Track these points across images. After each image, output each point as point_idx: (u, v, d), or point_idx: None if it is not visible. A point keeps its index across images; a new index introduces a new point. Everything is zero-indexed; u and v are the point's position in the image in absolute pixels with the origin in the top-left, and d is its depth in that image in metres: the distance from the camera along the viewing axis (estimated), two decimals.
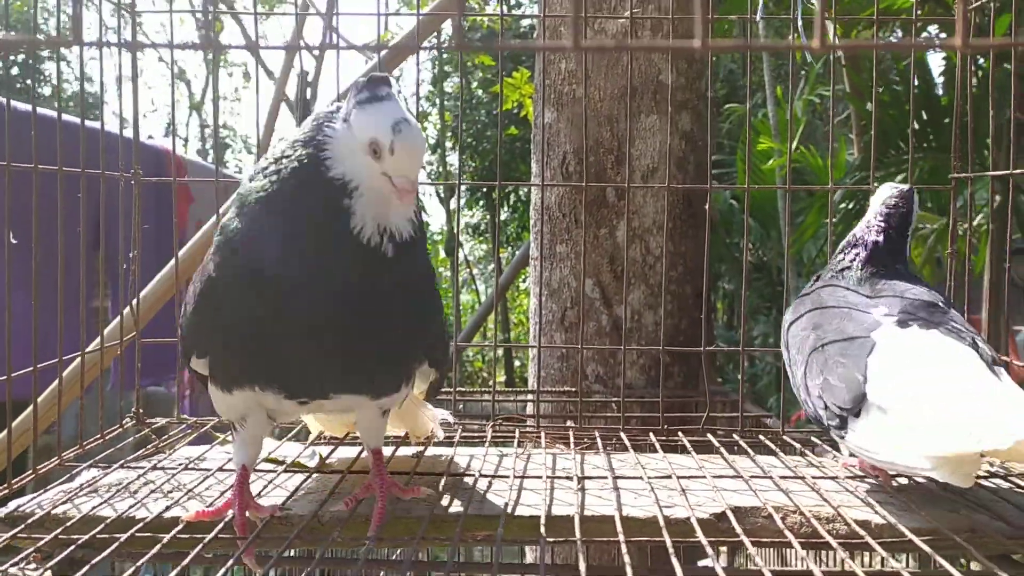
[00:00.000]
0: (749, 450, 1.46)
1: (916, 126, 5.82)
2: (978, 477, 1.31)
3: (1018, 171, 1.40)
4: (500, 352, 9.99)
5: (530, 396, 2.30)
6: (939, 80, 6.10)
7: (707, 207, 1.74)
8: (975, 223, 4.67)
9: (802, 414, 1.55)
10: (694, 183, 2.45)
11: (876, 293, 1.30)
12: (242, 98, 17.21)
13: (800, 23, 1.61)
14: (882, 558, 1.00)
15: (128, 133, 1.61)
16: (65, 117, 1.45)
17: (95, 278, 1.55)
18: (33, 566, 1.03)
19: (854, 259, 1.38)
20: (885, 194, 1.42)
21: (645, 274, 2.48)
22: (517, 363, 10.37)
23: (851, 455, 1.36)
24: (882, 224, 1.38)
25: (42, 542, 1.05)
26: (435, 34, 2.67)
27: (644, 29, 2.46)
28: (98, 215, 1.54)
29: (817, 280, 1.42)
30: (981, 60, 4.31)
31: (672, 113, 2.53)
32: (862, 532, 1.06)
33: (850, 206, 6.04)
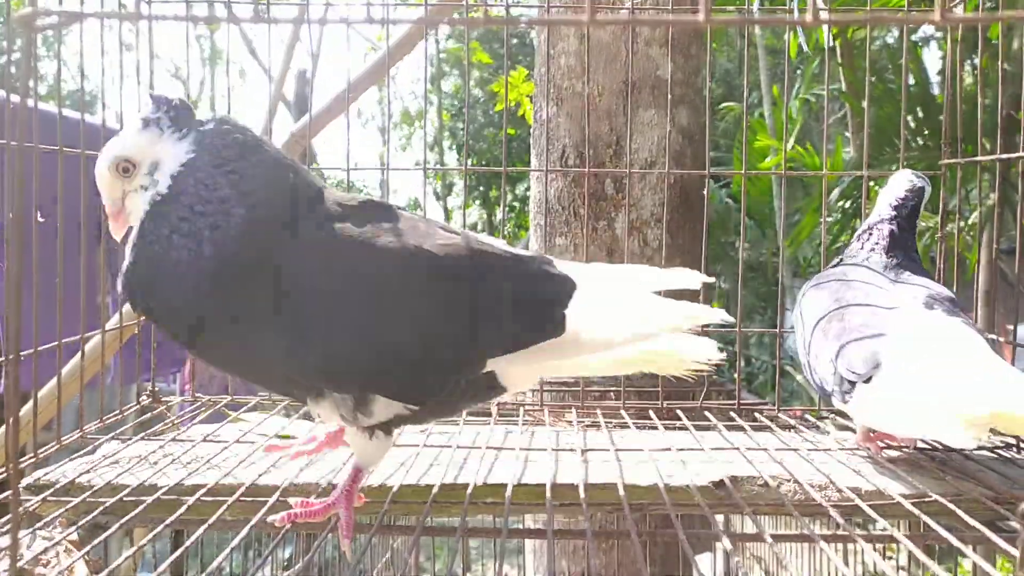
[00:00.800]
0: (746, 426, 1.51)
1: (911, 123, 5.88)
2: (963, 451, 1.37)
3: (1006, 156, 1.44)
4: None
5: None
6: (935, 79, 6.16)
7: (704, 192, 1.78)
8: (970, 221, 4.72)
9: (797, 412, 1.59)
10: (692, 176, 2.49)
11: (900, 279, 1.36)
12: (238, 96, 17.23)
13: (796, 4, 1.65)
14: (873, 523, 1.04)
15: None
16: (65, 112, 1.48)
17: (97, 272, 1.57)
18: (60, 531, 1.07)
19: (875, 246, 1.43)
20: (902, 182, 1.47)
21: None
22: None
23: (841, 429, 1.41)
24: (894, 214, 1.43)
25: (67, 507, 1.10)
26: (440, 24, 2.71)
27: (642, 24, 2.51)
28: (99, 207, 1.57)
29: (840, 263, 1.47)
30: (976, 59, 4.36)
31: (670, 108, 2.57)
32: (853, 497, 1.11)
33: (846, 204, 6.09)
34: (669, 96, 2.22)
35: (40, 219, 1.31)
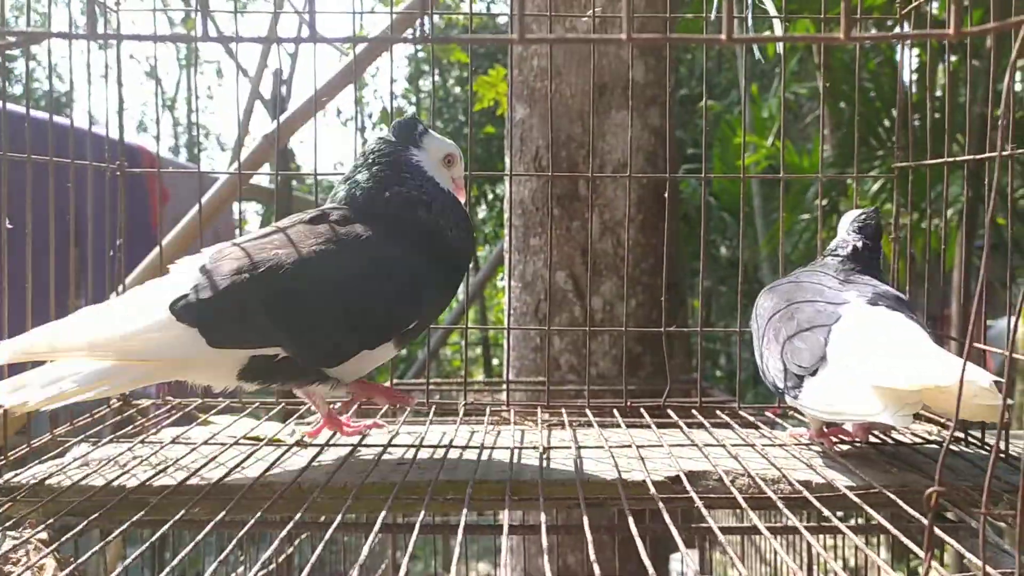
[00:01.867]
0: (706, 423, 1.54)
1: (887, 124, 5.95)
2: (913, 445, 1.41)
3: (952, 159, 1.48)
4: (478, 349, 10.06)
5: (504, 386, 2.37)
6: (913, 78, 6.23)
7: (666, 195, 1.82)
8: (947, 219, 4.79)
9: (776, 410, 1.63)
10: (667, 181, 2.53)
11: (850, 280, 1.40)
12: (215, 96, 17.16)
13: (751, 21, 1.69)
14: (823, 514, 1.08)
15: (97, 130, 1.66)
16: (36, 113, 1.49)
17: (69, 276, 1.59)
18: (28, 532, 1.09)
19: (834, 257, 1.49)
20: (853, 215, 1.54)
21: (617, 266, 2.55)
22: (496, 361, 10.43)
23: (796, 427, 1.45)
24: (858, 234, 1.48)
25: (35, 507, 1.12)
26: (410, 30, 2.74)
27: (613, 27, 2.54)
28: (72, 212, 1.58)
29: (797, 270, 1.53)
30: (954, 57, 4.43)
31: (642, 109, 2.61)
32: (803, 490, 1.15)
33: (824, 203, 6.16)
34: (640, 101, 2.25)
35: (8, 226, 1.33)
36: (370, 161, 1.37)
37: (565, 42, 1.97)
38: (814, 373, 1.21)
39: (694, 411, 1.64)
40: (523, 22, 2.25)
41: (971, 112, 3.65)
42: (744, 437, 1.47)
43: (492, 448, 1.41)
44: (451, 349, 9.44)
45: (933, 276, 1.64)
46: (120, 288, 1.69)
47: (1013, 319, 1.26)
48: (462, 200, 1.43)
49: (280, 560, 2.25)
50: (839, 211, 6.25)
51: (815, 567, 2.09)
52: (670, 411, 1.63)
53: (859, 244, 1.48)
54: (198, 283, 1.20)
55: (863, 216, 1.51)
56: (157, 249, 2.39)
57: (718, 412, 1.58)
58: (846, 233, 1.51)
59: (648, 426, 1.55)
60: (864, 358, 1.17)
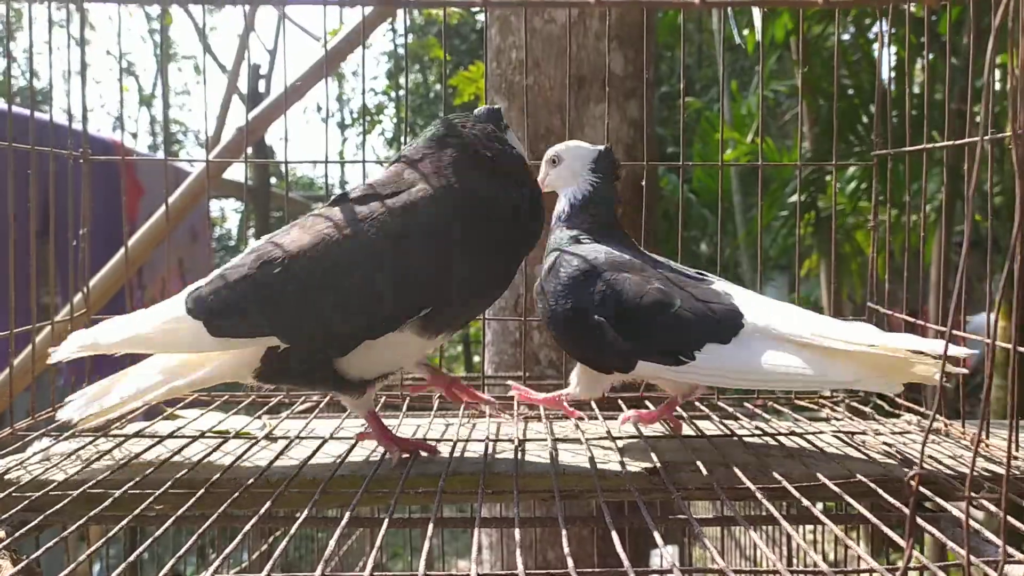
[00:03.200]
0: (684, 415, 1.52)
1: (865, 120, 5.96)
2: (892, 435, 1.39)
3: (931, 145, 1.46)
4: (459, 347, 10.02)
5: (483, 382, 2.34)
6: (892, 75, 6.25)
7: (643, 183, 1.80)
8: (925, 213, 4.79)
9: (758, 402, 1.61)
10: (644, 169, 2.50)
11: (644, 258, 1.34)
12: (192, 92, 17.00)
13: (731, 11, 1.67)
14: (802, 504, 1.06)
15: (74, 124, 1.62)
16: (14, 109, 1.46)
17: (44, 269, 1.55)
18: None
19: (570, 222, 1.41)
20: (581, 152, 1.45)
21: None
22: (477, 358, 10.41)
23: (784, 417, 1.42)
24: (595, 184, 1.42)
25: None
26: (389, 22, 2.70)
27: (592, 18, 2.52)
28: (46, 204, 1.54)
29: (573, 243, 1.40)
30: (932, 55, 4.43)
31: (620, 101, 2.59)
32: (783, 480, 1.12)
33: (803, 198, 6.17)
34: (610, 91, 2.23)
35: None
36: (439, 131, 1.27)
37: (531, 5, 1.93)
38: (727, 340, 1.19)
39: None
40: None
41: (948, 108, 3.65)
42: (723, 428, 1.45)
43: (467, 441, 1.38)
44: None
45: (912, 272, 1.63)
46: (85, 287, 1.65)
47: (992, 314, 1.25)
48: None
49: (253, 557, 2.21)
50: (818, 207, 6.26)
51: (795, 559, 2.08)
52: (648, 403, 1.60)
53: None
54: (211, 278, 1.22)
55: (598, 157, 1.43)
56: (129, 241, 2.35)
57: (697, 404, 1.55)
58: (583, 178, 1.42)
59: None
60: (806, 324, 1.17)
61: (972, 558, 0.79)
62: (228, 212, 11.86)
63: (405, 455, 1.25)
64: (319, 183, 12.64)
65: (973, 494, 1.05)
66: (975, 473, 1.15)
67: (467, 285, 1.21)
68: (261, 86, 7.01)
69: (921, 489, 1.09)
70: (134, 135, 14.41)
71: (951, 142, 1.36)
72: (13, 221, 1.42)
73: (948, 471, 1.16)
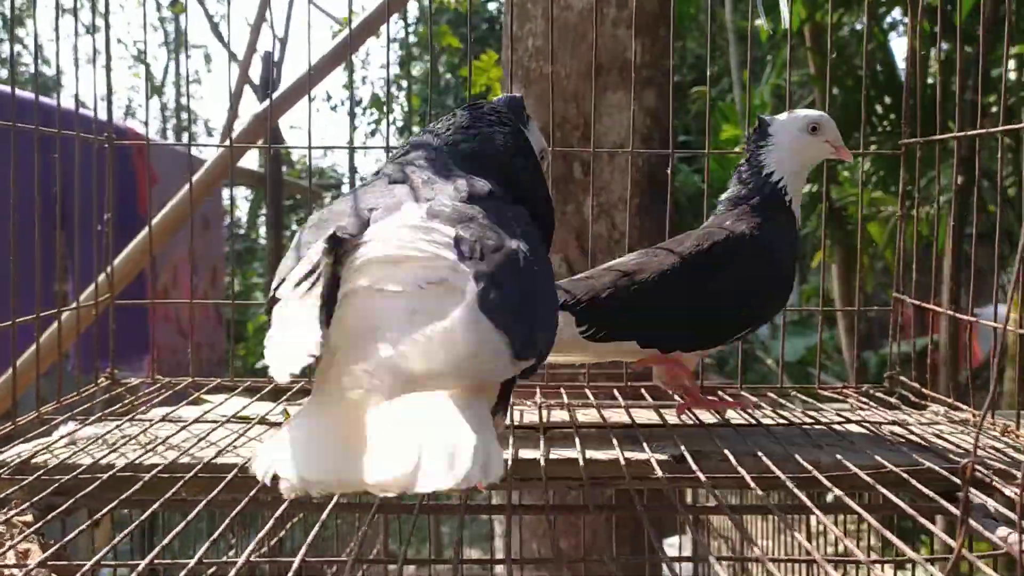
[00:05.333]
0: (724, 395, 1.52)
1: (879, 110, 5.92)
2: (921, 424, 1.39)
3: (962, 133, 1.45)
4: None
5: None
6: (903, 66, 6.21)
7: (668, 171, 1.80)
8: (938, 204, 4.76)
9: (765, 394, 1.61)
10: (661, 158, 2.50)
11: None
12: (203, 82, 16.95)
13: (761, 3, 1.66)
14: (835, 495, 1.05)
15: (83, 112, 1.61)
16: (22, 93, 1.45)
17: (54, 259, 1.55)
18: (15, 511, 1.05)
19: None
20: None
21: (611, 249, 2.52)
22: None
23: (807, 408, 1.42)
24: None
25: (19, 486, 1.08)
26: (403, 9, 2.69)
27: (609, 5, 2.51)
28: (57, 192, 1.53)
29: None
30: (946, 46, 4.40)
31: (638, 90, 2.57)
32: (812, 469, 1.12)
33: (813, 188, 6.14)
34: (636, 82, 2.22)
35: None
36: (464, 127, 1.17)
37: None
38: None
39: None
40: None
41: (961, 99, 3.62)
42: (749, 417, 1.44)
43: None
44: None
45: (923, 263, 1.63)
46: (108, 269, 1.65)
47: (1003, 307, 1.25)
48: None
49: (272, 543, 2.21)
50: (830, 198, 6.23)
51: (820, 548, 2.06)
52: (672, 394, 1.60)
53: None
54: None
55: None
56: (144, 231, 2.36)
57: (719, 394, 1.55)
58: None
59: (649, 406, 1.52)
60: None
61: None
62: (238, 200, 11.89)
63: None
64: (329, 172, 12.64)
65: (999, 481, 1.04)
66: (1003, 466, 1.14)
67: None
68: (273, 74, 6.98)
69: (953, 479, 1.09)
70: (145, 123, 14.42)
71: (982, 130, 1.34)
72: (39, 208, 1.42)
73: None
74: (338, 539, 2.41)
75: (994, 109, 4.20)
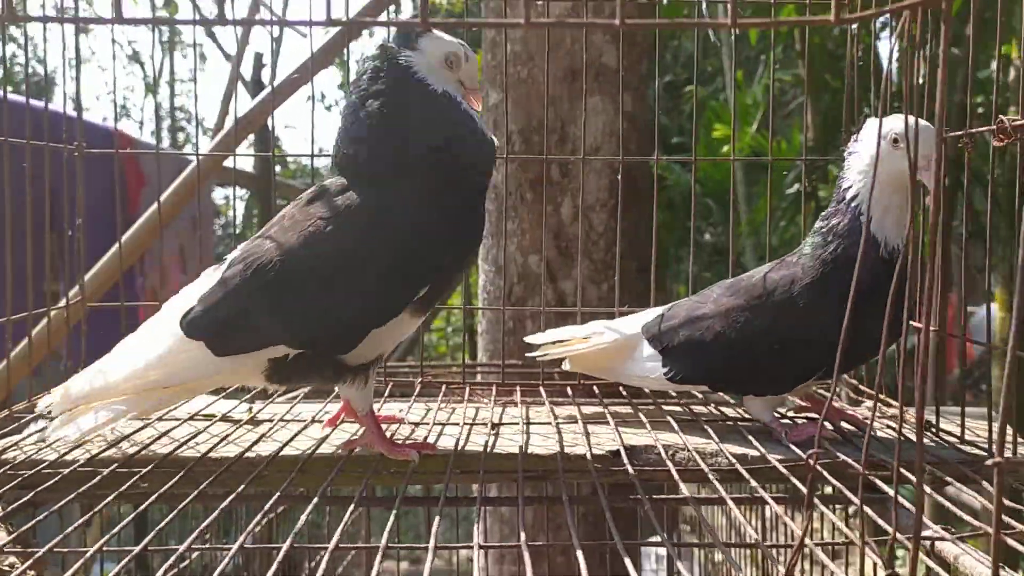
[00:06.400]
0: (657, 401, 1.58)
1: (866, 110, 5.97)
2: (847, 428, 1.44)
3: (956, 133, 1.48)
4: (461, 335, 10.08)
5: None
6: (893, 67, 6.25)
7: (654, 174, 1.85)
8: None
9: None
10: (636, 161, 2.55)
11: None
12: (197, 80, 16.92)
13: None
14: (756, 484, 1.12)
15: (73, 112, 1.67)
16: (14, 97, 1.51)
17: (44, 259, 1.60)
18: None
19: None
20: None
21: (589, 250, 2.58)
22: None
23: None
24: None
25: None
26: (393, 7, 2.74)
27: (588, 11, 2.56)
28: (46, 195, 1.59)
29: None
30: (931, 47, 4.44)
31: (615, 94, 2.63)
32: (737, 464, 1.18)
33: (805, 187, 6.17)
34: (616, 86, 2.27)
35: None
36: (351, 102, 1.21)
37: (564, 25, 1.99)
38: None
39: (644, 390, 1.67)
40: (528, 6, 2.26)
41: (950, 100, 3.68)
42: (690, 412, 1.51)
43: (444, 424, 1.44)
44: (436, 335, 9.44)
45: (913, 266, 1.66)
46: (83, 267, 1.71)
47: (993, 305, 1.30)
48: (476, 107, 1.24)
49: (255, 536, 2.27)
50: (818, 197, 6.28)
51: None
52: (621, 389, 1.66)
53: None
54: (202, 294, 1.19)
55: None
56: (130, 230, 2.41)
57: (673, 393, 1.61)
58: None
59: (599, 403, 1.58)
60: None
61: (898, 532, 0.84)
62: (232, 200, 11.94)
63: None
64: (323, 172, 12.69)
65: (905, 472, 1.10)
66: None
67: (452, 255, 1.21)
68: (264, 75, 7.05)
69: (869, 475, 1.15)
70: (140, 123, 14.48)
71: (972, 130, 1.36)
72: (31, 210, 1.47)
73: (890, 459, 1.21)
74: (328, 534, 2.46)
75: (980, 110, 4.25)
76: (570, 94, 2.59)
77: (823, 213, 1.37)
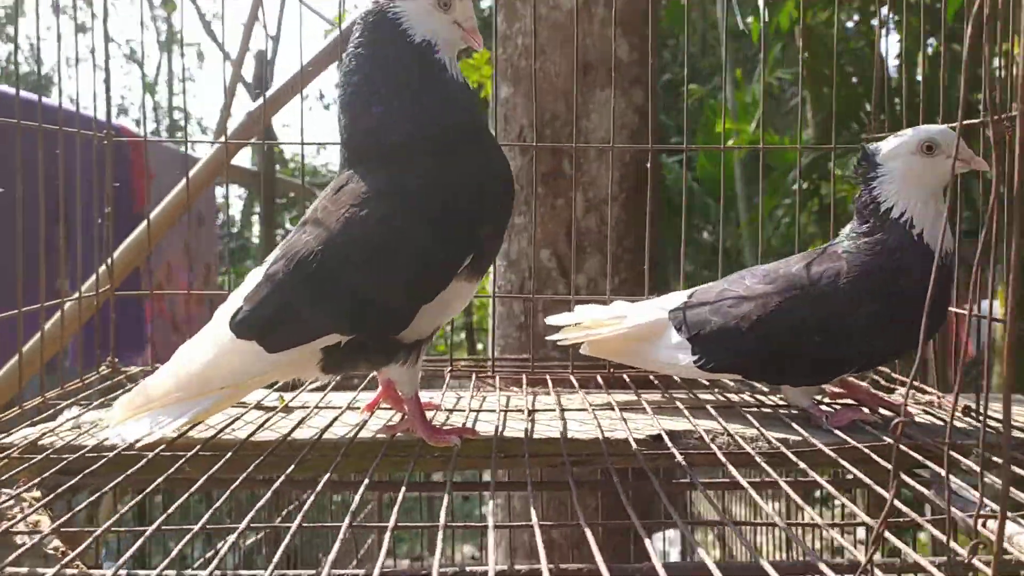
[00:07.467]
0: (685, 385, 1.58)
1: (868, 108, 5.99)
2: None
3: (961, 123, 1.50)
4: (462, 334, 10.07)
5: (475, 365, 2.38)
6: (894, 63, 6.28)
7: (648, 165, 1.85)
8: None
9: None
10: (647, 154, 2.55)
11: None
12: (196, 79, 16.93)
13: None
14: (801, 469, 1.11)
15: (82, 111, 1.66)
16: (26, 94, 1.50)
17: (55, 253, 1.59)
18: (22, 490, 1.11)
19: None
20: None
21: (600, 244, 2.57)
22: (480, 346, 10.45)
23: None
24: None
25: (29, 464, 1.14)
26: None
27: (597, 5, 2.56)
28: (57, 190, 1.58)
29: None
30: (932, 40, 4.46)
31: (625, 87, 2.63)
32: (780, 446, 1.18)
33: (805, 185, 6.20)
34: (616, 78, 2.27)
35: None
36: (343, 76, 1.20)
37: None
38: None
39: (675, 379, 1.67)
40: None
41: (950, 96, 3.68)
42: (725, 399, 1.51)
43: (478, 411, 1.44)
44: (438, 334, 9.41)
45: None
46: (108, 261, 1.70)
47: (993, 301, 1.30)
48: (477, 46, 1.23)
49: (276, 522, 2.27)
50: (820, 195, 6.30)
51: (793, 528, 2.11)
52: (652, 378, 1.66)
53: None
54: (248, 294, 1.18)
55: None
56: (142, 225, 2.40)
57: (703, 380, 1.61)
58: None
59: (629, 387, 1.58)
60: None
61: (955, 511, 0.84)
62: (232, 198, 11.92)
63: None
64: (322, 171, 12.67)
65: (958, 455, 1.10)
66: (968, 442, 1.20)
67: (497, 217, 1.21)
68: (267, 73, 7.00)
69: (915, 455, 1.15)
70: (137, 122, 14.44)
71: (976, 120, 1.38)
72: (43, 199, 1.47)
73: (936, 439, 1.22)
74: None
75: (979, 107, 4.26)
76: (581, 87, 2.59)
77: (849, 230, 1.38)
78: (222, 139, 2.01)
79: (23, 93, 1.49)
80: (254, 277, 1.22)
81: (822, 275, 1.33)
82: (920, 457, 1.13)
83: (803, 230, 6.27)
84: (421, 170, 1.15)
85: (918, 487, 1.02)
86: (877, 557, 0.79)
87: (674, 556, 3.36)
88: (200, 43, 15.94)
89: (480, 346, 10.38)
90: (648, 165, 1.85)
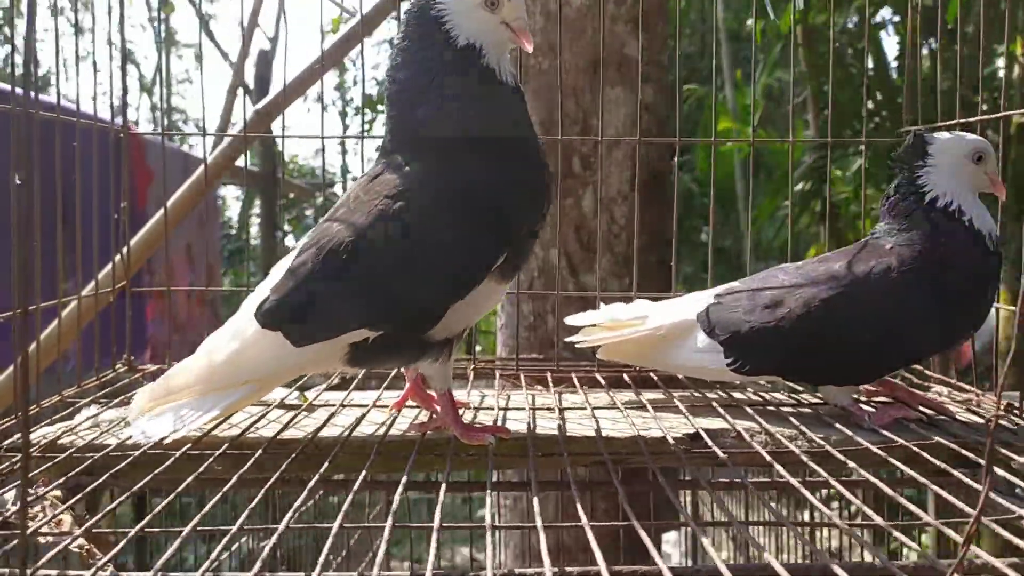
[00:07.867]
0: (719, 389, 1.55)
1: (871, 106, 5.98)
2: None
3: (964, 120, 1.49)
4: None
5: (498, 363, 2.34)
6: (893, 63, 6.28)
7: (674, 159, 1.82)
8: None
9: None
10: (659, 152, 2.52)
11: None
12: (193, 80, 16.86)
13: None
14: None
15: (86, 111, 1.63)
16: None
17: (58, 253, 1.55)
18: (47, 488, 1.07)
19: None
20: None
21: (611, 243, 2.55)
22: (479, 348, 10.41)
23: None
24: None
25: (51, 463, 1.10)
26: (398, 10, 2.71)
27: (608, 1, 2.53)
28: (62, 190, 1.55)
29: None
30: (932, 41, 4.45)
31: (636, 85, 2.60)
32: (823, 443, 1.15)
33: (807, 187, 6.19)
34: (626, 74, 2.25)
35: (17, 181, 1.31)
36: (390, 69, 1.18)
37: None
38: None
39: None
40: None
41: (954, 94, 3.66)
42: (759, 398, 1.47)
43: (506, 409, 1.41)
44: None
45: None
46: (124, 251, 1.67)
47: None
48: (528, 47, 1.17)
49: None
50: (823, 196, 6.29)
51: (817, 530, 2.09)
52: (681, 377, 1.62)
53: None
54: (273, 284, 1.15)
55: None
56: (148, 223, 2.37)
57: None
58: None
59: (658, 386, 1.55)
60: None
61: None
62: (230, 200, 11.86)
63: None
64: (319, 172, 12.62)
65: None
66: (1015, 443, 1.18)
67: (534, 218, 1.18)
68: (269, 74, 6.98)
69: (962, 451, 1.12)
70: (136, 122, 14.39)
71: (984, 116, 1.37)
72: (59, 202, 1.44)
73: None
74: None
75: (984, 107, 4.25)
76: (592, 85, 2.56)
77: (893, 224, 1.36)
78: (239, 133, 1.97)
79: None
80: (280, 267, 1.19)
81: (871, 271, 1.30)
82: (970, 455, 1.10)
83: (804, 230, 6.26)
84: (461, 166, 1.12)
85: (974, 484, 0.98)
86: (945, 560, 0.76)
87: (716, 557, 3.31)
88: (198, 44, 15.89)
89: (479, 348, 10.34)
90: (672, 159, 1.81)
